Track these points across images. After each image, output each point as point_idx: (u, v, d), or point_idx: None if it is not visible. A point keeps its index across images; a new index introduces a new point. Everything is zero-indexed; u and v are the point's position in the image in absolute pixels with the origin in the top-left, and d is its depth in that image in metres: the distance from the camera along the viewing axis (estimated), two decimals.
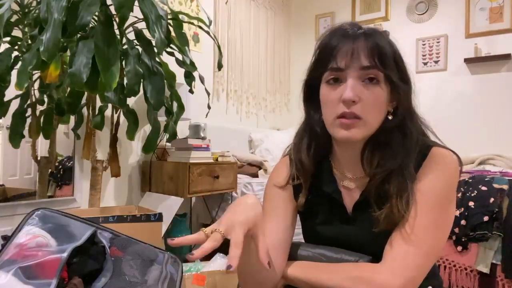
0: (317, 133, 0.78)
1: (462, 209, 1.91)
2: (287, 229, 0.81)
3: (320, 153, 0.81)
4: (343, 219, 0.79)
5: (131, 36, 1.72)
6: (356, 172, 0.78)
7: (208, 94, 2.07)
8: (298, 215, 0.87)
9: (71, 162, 2.08)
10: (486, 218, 1.83)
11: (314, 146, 0.80)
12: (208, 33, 1.99)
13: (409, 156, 0.70)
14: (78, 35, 1.52)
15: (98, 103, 1.81)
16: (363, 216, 0.75)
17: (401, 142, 0.71)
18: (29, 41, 1.54)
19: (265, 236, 0.66)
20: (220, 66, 2.01)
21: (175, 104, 1.94)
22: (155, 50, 1.64)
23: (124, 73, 1.55)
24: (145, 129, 2.40)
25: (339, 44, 0.69)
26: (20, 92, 1.60)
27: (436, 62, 3.34)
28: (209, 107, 2.14)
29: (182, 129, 2.52)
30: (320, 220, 0.81)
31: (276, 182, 0.86)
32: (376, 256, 0.71)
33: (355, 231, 0.77)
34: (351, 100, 0.67)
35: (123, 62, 1.58)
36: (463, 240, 1.89)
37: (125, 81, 1.57)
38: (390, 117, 0.72)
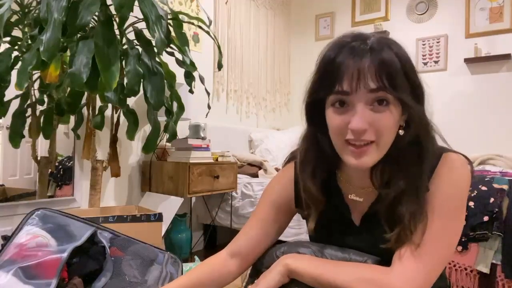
0: (323, 152, 0.74)
1: None
2: (263, 243, 0.83)
3: (327, 172, 0.77)
4: (349, 231, 0.77)
5: (131, 36, 1.72)
6: (364, 185, 0.74)
7: (208, 94, 2.07)
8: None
9: (71, 162, 2.08)
10: (486, 218, 1.83)
11: (320, 168, 0.75)
12: (208, 33, 1.99)
13: (424, 175, 0.66)
14: (78, 35, 1.52)
15: (98, 103, 1.81)
16: (371, 229, 0.74)
17: (415, 160, 0.67)
18: (29, 41, 1.54)
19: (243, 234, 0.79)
20: (220, 66, 2.01)
21: (175, 104, 1.94)
22: (155, 50, 1.64)
23: (124, 73, 1.55)
24: (145, 129, 2.40)
25: (344, 63, 0.63)
26: (20, 92, 1.60)
27: (436, 62, 3.34)
28: (209, 107, 2.14)
29: (182, 129, 2.52)
30: (327, 232, 0.80)
31: (275, 201, 0.84)
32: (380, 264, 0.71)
33: (361, 243, 0.75)
34: (361, 130, 0.62)
35: (123, 62, 1.58)
36: (463, 240, 1.89)
37: (125, 81, 1.57)
38: (401, 132, 0.67)
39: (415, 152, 0.67)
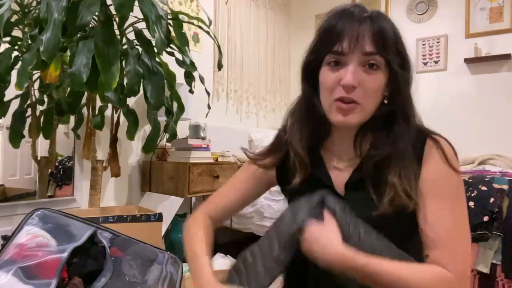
0: (313, 116, 0.77)
1: None
2: (236, 211, 0.91)
3: (314, 138, 0.79)
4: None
5: (131, 36, 1.72)
6: (348, 153, 0.77)
7: (208, 94, 2.07)
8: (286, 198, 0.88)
9: (71, 162, 2.08)
10: (486, 218, 1.83)
11: (307, 132, 0.78)
12: (208, 33, 1.99)
13: (409, 141, 0.70)
14: (78, 35, 1.51)
15: (98, 103, 1.81)
16: (356, 197, 0.74)
17: (401, 127, 0.71)
18: (29, 41, 1.54)
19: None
20: (220, 66, 2.01)
21: (175, 104, 1.94)
22: (155, 50, 1.64)
23: (124, 73, 1.55)
24: (145, 129, 2.40)
25: (344, 26, 0.68)
26: (20, 92, 1.60)
27: (436, 62, 3.34)
28: (209, 107, 2.14)
29: (182, 129, 2.52)
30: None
31: (256, 173, 0.88)
32: None
33: None
34: (351, 86, 0.67)
35: (123, 62, 1.58)
36: None
37: (125, 81, 1.57)
38: (385, 101, 0.73)
39: (401, 120, 0.72)
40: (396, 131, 0.71)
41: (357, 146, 0.74)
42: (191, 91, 1.99)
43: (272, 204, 2.56)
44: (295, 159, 0.78)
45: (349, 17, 0.69)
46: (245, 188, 0.89)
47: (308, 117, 0.78)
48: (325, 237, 0.65)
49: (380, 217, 0.68)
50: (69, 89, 1.72)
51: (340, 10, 0.72)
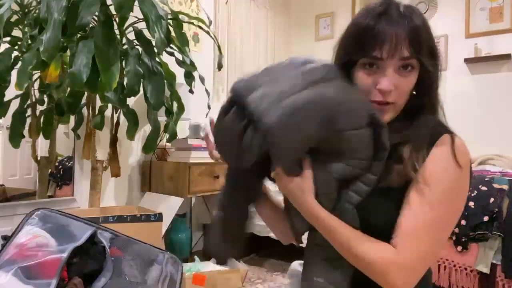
0: None
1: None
2: None
3: None
4: None
5: (131, 36, 1.72)
6: None
7: (208, 94, 2.07)
8: None
9: (71, 162, 2.08)
10: (486, 218, 1.83)
11: None
12: (208, 33, 1.99)
13: (428, 129, 0.72)
14: (78, 35, 1.52)
15: (98, 103, 1.81)
16: None
17: (427, 117, 0.73)
18: (29, 41, 1.54)
19: None
20: (220, 66, 2.01)
21: (175, 104, 1.94)
22: (155, 50, 1.64)
23: (124, 73, 1.56)
24: (145, 129, 2.40)
25: (383, 30, 0.67)
26: (20, 92, 1.60)
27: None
28: (209, 107, 2.14)
29: (182, 129, 2.52)
30: None
31: None
32: (367, 213, 0.70)
33: None
34: (388, 91, 0.68)
35: (123, 62, 1.58)
36: (463, 240, 1.89)
37: (125, 81, 1.57)
38: (414, 92, 0.74)
39: (425, 111, 0.74)
40: (421, 119, 0.73)
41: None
42: (191, 91, 1.99)
43: None
44: None
45: (386, 18, 0.68)
46: None
47: None
48: (299, 186, 0.70)
49: (387, 188, 0.70)
50: (69, 89, 1.72)
51: (373, 11, 0.70)
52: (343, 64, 0.74)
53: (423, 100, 0.74)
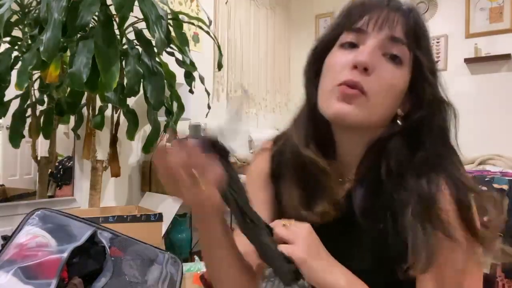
0: (317, 120, 0.59)
1: None
2: None
3: (319, 148, 0.60)
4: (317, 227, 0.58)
5: (131, 36, 1.72)
6: (347, 174, 0.61)
7: (208, 94, 2.07)
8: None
9: (71, 162, 2.08)
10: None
11: (312, 139, 0.61)
12: (208, 33, 1.99)
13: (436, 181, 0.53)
14: (78, 35, 1.52)
15: (98, 103, 1.81)
16: (344, 231, 0.59)
17: (428, 153, 0.54)
18: (29, 41, 1.54)
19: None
20: (220, 66, 2.01)
21: (175, 104, 1.94)
22: (155, 50, 1.64)
23: (124, 73, 1.55)
24: (145, 129, 2.40)
25: (374, 5, 0.55)
26: (20, 92, 1.60)
27: (436, 62, 3.34)
28: (209, 107, 2.14)
29: (182, 129, 2.52)
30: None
31: (257, 183, 0.68)
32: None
33: (331, 247, 0.56)
34: (364, 66, 0.51)
35: (123, 62, 1.58)
36: None
37: (125, 81, 1.57)
38: (399, 121, 0.57)
39: (425, 141, 0.55)
40: (420, 156, 0.54)
41: (364, 167, 0.58)
42: (191, 91, 1.99)
43: None
44: (323, 175, 0.59)
45: (379, 2, 0.56)
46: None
47: (312, 122, 0.61)
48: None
49: (365, 254, 0.55)
50: (69, 89, 1.72)
51: None
52: (321, 51, 0.60)
53: (419, 122, 0.55)
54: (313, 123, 0.60)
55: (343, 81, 0.52)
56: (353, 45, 0.54)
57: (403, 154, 0.55)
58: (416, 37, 0.55)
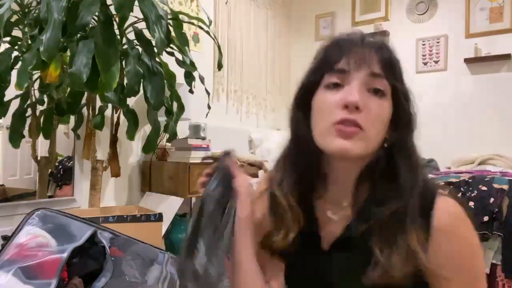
0: (305, 153, 0.65)
1: None
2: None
3: (306, 182, 0.67)
4: (317, 254, 0.66)
5: (131, 36, 1.72)
6: (344, 201, 0.65)
7: (208, 94, 2.07)
8: None
9: (71, 162, 2.08)
10: (486, 218, 1.83)
11: (298, 175, 0.66)
12: (208, 33, 1.99)
13: (416, 197, 0.59)
14: (78, 35, 1.52)
15: (98, 103, 1.81)
16: (343, 258, 0.63)
17: (407, 176, 0.60)
18: (29, 41, 1.54)
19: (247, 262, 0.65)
20: (220, 66, 2.01)
21: (175, 104, 1.94)
22: (155, 50, 1.64)
23: (124, 73, 1.55)
24: (145, 129, 2.40)
25: (350, 44, 0.61)
26: (20, 92, 1.60)
27: (436, 62, 3.34)
28: (209, 107, 2.14)
29: (182, 129, 2.52)
30: (298, 254, 0.67)
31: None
32: None
33: (330, 272, 0.64)
34: (355, 105, 0.56)
35: (123, 62, 1.58)
36: None
37: (125, 81, 1.57)
38: (385, 145, 0.62)
39: (401, 166, 0.61)
40: (404, 181, 0.60)
41: (358, 195, 0.63)
42: (191, 91, 1.99)
43: None
44: (286, 213, 0.65)
45: (356, 37, 0.63)
46: None
47: (300, 155, 0.66)
48: None
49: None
50: (69, 89, 1.72)
51: (343, 34, 0.65)
52: (307, 88, 0.66)
53: (398, 148, 0.61)
54: (303, 160, 0.66)
55: (339, 119, 0.58)
56: (337, 85, 0.60)
57: (384, 180, 0.62)
58: (392, 69, 0.61)
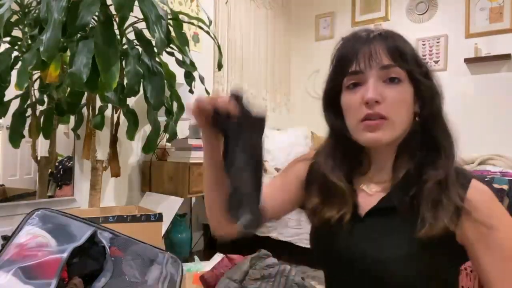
0: (344, 144, 0.73)
1: None
2: (279, 196, 0.81)
3: (347, 167, 0.74)
4: (353, 220, 0.71)
5: (131, 36, 1.72)
6: (380, 177, 0.73)
7: (208, 94, 2.07)
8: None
9: (71, 162, 2.08)
10: None
11: (340, 161, 0.74)
12: (208, 33, 1.99)
13: (452, 164, 0.66)
14: (78, 35, 1.52)
15: (98, 103, 1.81)
16: (378, 224, 0.69)
17: (444, 139, 0.68)
18: (29, 41, 1.54)
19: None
20: (220, 66, 2.01)
21: (175, 104, 1.94)
22: (155, 50, 1.64)
23: (124, 73, 1.56)
24: (145, 129, 2.40)
25: (356, 47, 0.68)
26: (20, 92, 1.60)
27: (436, 62, 3.34)
28: None
29: (182, 129, 2.52)
30: (328, 218, 0.72)
31: (295, 167, 0.83)
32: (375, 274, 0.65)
33: (364, 238, 0.69)
34: (374, 100, 0.64)
35: (123, 62, 1.58)
36: None
37: (125, 81, 1.57)
38: (417, 118, 0.69)
39: (436, 137, 0.68)
40: (438, 145, 0.68)
41: (397, 170, 0.70)
42: (191, 91, 1.99)
43: None
44: (344, 196, 0.71)
45: (359, 38, 0.69)
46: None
47: (339, 145, 0.75)
48: None
49: (409, 252, 0.64)
50: (69, 89, 1.72)
51: (349, 35, 0.72)
52: (329, 93, 0.74)
53: (427, 122, 0.69)
54: (343, 148, 0.74)
55: (364, 116, 0.66)
56: (356, 84, 0.68)
57: (421, 149, 0.69)
58: (401, 55, 0.66)
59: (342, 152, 0.74)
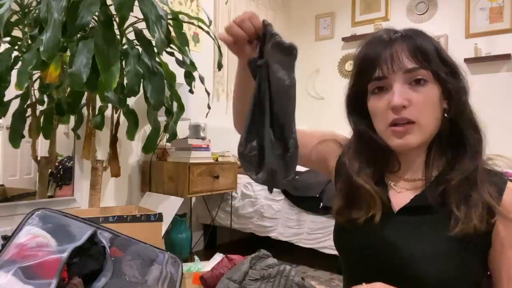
0: (372, 144, 0.72)
1: None
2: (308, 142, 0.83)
3: (376, 166, 0.73)
4: (385, 217, 0.70)
5: (131, 36, 1.72)
6: (413, 175, 0.72)
7: (208, 94, 2.07)
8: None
9: (71, 162, 2.08)
10: None
11: (367, 161, 0.73)
12: (208, 33, 1.99)
13: (479, 161, 0.67)
14: (78, 35, 1.52)
15: (98, 103, 1.81)
16: (411, 221, 0.68)
17: (473, 134, 0.69)
18: (29, 41, 1.54)
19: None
20: (220, 66, 2.01)
21: (175, 104, 1.94)
22: (155, 50, 1.64)
23: (124, 73, 1.56)
24: (145, 129, 2.40)
25: (378, 51, 0.67)
26: (20, 92, 1.60)
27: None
28: (209, 107, 2.14)
29: (182, 129, 2.52)
30: (356, 218, 0.72)
31: (323, 147, 0.83)
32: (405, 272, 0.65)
33: (396, 235, 0.68)
34: (400, 106, 0.63)
35: (123, 62, 1.58)
36: None
37: (125, 81, 1.57)
38: (446, 115, 0.69)
39: (465, 133, 0.68)
40: (467, 141, 0.68)
41: (430, 169, 0.69)
42: (191, 91, 1.99)
43: (272, 204, 2.56)
44: (362, 193, 0.71)
45: (380, 41, 0.68)
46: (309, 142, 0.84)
47: (365, 148, 0.74)
48: None
49: (441, 248, 0.64)
50: (69, 89, 1.72)
51: (370, 38, 0.71)
52: (354, 96, 0.73)
53: (456, 119, 0.68)
54: (369, 149, 0.73)
55: (391, 121, 0.65)
56: (381, 88, 0.67)
57: (450, 146, 0.69)
58: (424, 55, 0.65)
59: (368, 153, 0.74)
